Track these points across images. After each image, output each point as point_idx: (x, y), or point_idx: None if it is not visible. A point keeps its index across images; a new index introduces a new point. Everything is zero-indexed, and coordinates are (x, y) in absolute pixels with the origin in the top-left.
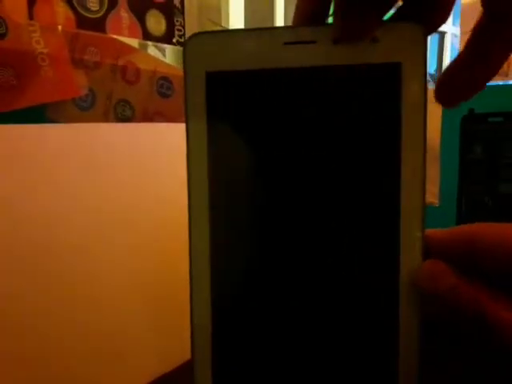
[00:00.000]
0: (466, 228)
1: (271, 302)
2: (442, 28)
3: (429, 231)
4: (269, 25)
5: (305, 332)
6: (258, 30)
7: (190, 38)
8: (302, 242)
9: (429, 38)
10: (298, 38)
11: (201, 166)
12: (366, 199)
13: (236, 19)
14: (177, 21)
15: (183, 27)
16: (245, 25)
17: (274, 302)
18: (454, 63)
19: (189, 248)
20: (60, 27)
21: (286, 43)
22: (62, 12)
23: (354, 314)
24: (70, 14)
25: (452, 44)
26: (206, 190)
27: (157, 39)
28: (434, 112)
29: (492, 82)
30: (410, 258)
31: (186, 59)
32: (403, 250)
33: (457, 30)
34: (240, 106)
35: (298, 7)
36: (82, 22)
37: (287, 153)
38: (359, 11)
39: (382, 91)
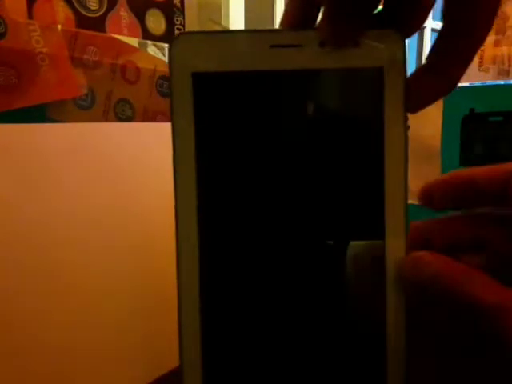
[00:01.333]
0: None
1: (261, 306)
2: None
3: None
4: (269, 23)
5: (292, 334)
6: (245, 32)
7: (176, 38)
8: (290, 242)
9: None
10: (284, 41)
11: (188, 169)
12: (351, 195)
13: (236, 18)
14: (177, 20)
15: (183, 26)
16: (245, 23)
17: (264, 303)
18: (416, 72)
19: (176, 251)
20: (59, 26)
21: (271, 46)
22: (62, 11)
23: (339, 307)
24: (70, 14)
25: (432, 39)
26: (194, 193)
27: (156, 38)
28: (435, 112)
29: (493, 82)
30: (395, 250)
31: (171, 60)
32: (388, 243)
33: (437, 25)
34: (225, 108)
35: (286, 11)
36: (82, 22)
37: (274, 153)
38: (346, 16)
39: (364, 94)
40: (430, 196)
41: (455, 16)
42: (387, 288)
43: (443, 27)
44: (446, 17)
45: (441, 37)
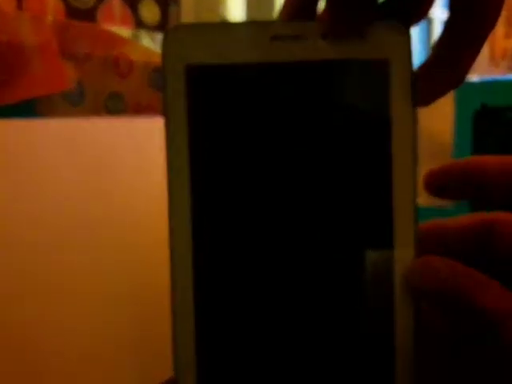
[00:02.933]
0: (484, 215)
1: (258, 313)
2: (430, 14)
3: (445, 220)
4: (270, 15)
5: (292, 345)
6: (244, 24)
7: (171, 29)
8: (291, 244)
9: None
10: (285, 33)
11: (181, 166)
12: (356, 197)
13: (235, 8)
14: (172, 9)
15: (179, 16)
16: (245, 14)
17: (261, 310)
18: (423, 65)
19: (169, 249)
20: (49, 18)
21: (272, 37)
22: (52, 2)
23: (346, 312)
24: (60, 4)
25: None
26: (187, 189)
27: (150, 29)
28: (446, 107)
29: (504, 76)
30: (404, 256)
31: (165, 51)
32: (396, 249)
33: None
34: (222, 102)
35: (285, 2)
36: (72, 13)
37: (273, 150)
38: (349, 5)
39: (369, 87)
40: (443, 185)
41: (462, 4)
42: (395, 293)
43: (449, 17)
44: (452, 5)
45: (448, 27)
